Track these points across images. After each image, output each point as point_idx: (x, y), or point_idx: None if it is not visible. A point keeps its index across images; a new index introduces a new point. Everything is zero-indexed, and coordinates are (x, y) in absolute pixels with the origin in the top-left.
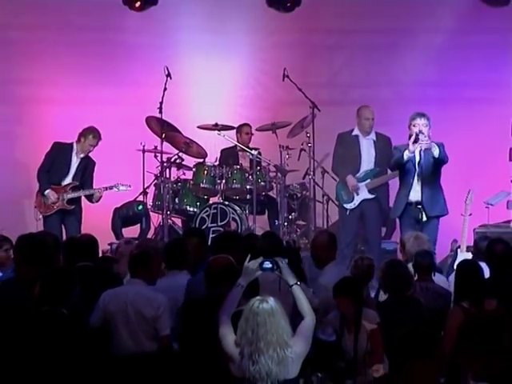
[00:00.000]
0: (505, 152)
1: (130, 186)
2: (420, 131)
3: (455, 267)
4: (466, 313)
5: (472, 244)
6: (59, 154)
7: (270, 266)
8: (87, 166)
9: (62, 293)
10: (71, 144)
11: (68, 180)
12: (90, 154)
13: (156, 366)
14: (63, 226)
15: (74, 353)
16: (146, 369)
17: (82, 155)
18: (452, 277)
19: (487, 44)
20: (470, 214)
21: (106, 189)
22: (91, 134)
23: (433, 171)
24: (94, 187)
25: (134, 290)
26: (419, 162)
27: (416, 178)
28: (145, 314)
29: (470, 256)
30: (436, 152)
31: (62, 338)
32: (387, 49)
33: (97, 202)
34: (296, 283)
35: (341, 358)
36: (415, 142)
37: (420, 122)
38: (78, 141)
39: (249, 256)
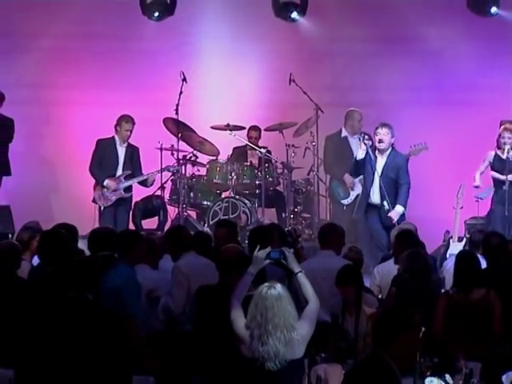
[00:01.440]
0: (493, 150)
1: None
2: (380, 140)
3: (448, 256)
4: (450, 299)
5: (463, 235)
6: (105, 148)
7: (278, 255)
8: (133, 153)
9: (87, 280)
10: (112, 137)
11: (119, 171)
12: (132, 142)
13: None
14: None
15: (97, 336)
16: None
17: (125, 144)
18: (445, 264)
19: (476, 50)
20: (462, 207)
21: (158, 172)
22: (123, 120)
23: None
24: None
25: None
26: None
27: (375, 182)
28: None
29: (461, 246)
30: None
31: (86, 322)
32: (384, 55)
33: (151, 185)
34: (300, 271)
35: (343, 338)
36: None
37: (381, 132)
38: (116, 131)
39: (258, 247)
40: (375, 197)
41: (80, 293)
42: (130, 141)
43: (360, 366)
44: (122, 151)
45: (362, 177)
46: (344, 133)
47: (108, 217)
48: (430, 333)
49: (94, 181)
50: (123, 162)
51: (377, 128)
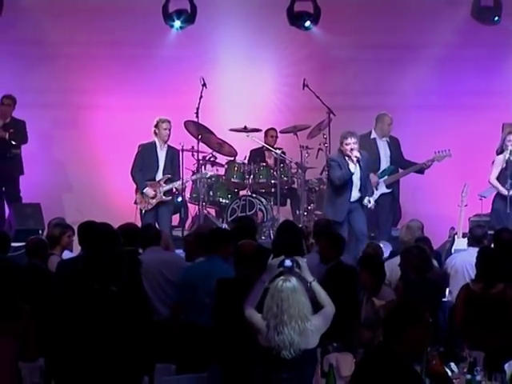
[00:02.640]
0: (497, 153)
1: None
2: (352, 149)
3: (453, 251)
4: (470, 291)
5: (467, 231)
6: (146, 152)
7: (290, 264)
8: (173, 156)
9: (111, 272)
10: (153, 141)
11: (160, 174)
12: (172, 144)
13: None
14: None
15: (121, 325)
16: None
17: (165, 148)
18: (450, 259)
19: (480, 56)
20: (466, 205)
21: (192, 176)
22: (160, 121)
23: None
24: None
25: None
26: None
27: (354, 185)
28: None
29: (465, 241)
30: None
31: (111, 313)
32: (393, 61)
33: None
34: (314, 280)
35: (359, 322)
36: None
37: (351, 141)
38: (155, 134)
39: (271, 255)
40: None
41: (105, 285)
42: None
43: (370, 358)
44: (162, 155)
45: (386, 177)
46: (373, 135)
47: (149, 219)
48: (436, 324)
49: (120, 180)
50: (163, 166)
51: (345, 137)
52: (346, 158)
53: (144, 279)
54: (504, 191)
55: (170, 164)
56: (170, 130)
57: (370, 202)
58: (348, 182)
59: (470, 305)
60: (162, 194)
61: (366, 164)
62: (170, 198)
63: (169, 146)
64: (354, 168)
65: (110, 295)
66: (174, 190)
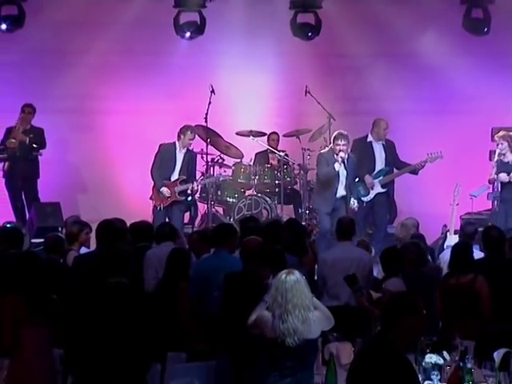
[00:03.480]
0: (485, 153)
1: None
2: (340, 150)
3: (445, 247)
4: (445, 283)
5: (459, 228)
6: (165, 152)
7: None
8: (190, 158)
9: (124, 267)
10: (174, 143)
11: (176, 174)
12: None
13: None
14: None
15: (135, 314)
16: None
17: (184, 150)
18: (442, 254)
19: (470, 65)
20: (457, 204)
21: (205, 179)
22: (188, 130)
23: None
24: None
25: None
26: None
27: (340, 182)
28: None
29: (456, 238)
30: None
31: (124, 304)
32: (389, 69)
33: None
34: (313, 296)
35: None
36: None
37: (341, 143)
38: (179, 138)
39: (271, 275)
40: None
41: (118, 278)
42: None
43: (367, 347)
44: (180, 157)
45: (381, 178)
46: (370, 138)
47: (161, 216)
48: (430, 314)
49: (133, 179)
50: (180, 167)
51: (337, 138)
52: (335, 157)
53: (157, 270)
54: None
55: (187, 166)
56: (192, 140)
57: (354, 203)
58: (334, 178)
59: (446, 296)
60: (176, 193)
61: (353, 167)
62: (184, 197)
63: (188, 148)
64: (338, 167)
65: (124, 287)
66: (189, 190)
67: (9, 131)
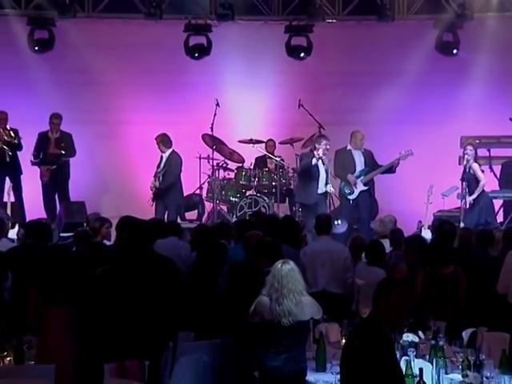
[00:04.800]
0: (455, 158)
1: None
2: (320, 148)
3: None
4: (427, 273)
5: (431, 223)
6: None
7: None
8: (171, 160)
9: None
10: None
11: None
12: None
13: None
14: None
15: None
16: None
17: (167, 153)
18: None
19: (442, 81)
20: (431, 203)
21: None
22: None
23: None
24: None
25: None
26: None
27: (321, 178)
28: None
29: (429, 232)
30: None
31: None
32: (372, 85)
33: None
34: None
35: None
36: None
37: (322, 143)
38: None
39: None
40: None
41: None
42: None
43: (357, 328)
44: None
45: (363, 177)
46: (349, 147)
47: (159, 211)
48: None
49: (148, 182)
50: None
51: (319, 138)
52: (314, 153)
53: None
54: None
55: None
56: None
57: (330, 189)
58: (315, 174)
59: (429, 284)
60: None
61: (370, 160)
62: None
63: (173, 150)
64: (315, 162)
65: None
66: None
67: (41, 137)
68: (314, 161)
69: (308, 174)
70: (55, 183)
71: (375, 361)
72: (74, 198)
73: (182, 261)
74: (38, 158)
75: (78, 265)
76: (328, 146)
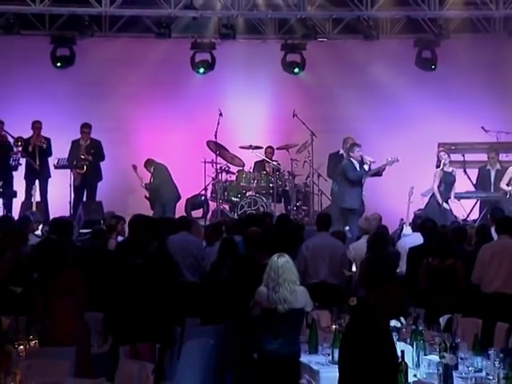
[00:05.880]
0: (433, 163)
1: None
2: (362, 155)
3: (402, 236)
4: (429, 265)
5: (412, 221)
6: None
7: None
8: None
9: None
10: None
11: None
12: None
13: None
14: None
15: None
16: None
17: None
18: (400, 241)
19: (422, 94)
20: (412, 202)
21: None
22: None
23: None
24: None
25: None
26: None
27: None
28: None
29: (410, 229)
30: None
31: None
32: (358, 97)
33: None
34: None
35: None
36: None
37: (357, 149)
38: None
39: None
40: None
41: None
42: None
43: (355, 315)
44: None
45: None
46: (341, 151)
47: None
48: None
49: None
50: None
51: (356, 146)
52: (364, 160)
53: (175, 253)
54: (440, 200)
55: None
56: None
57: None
58: (360, 180)
59: (431, 275)
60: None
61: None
62: None
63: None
64: (367, 168)
65: (145, 267)
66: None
67: (74, 144)
68: (366, 168)
69: (356, 180)
70: (85, 185)
71: (371, 347)
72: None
73: (194, 255)
74: (59, 163)
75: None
76: (361, 152)
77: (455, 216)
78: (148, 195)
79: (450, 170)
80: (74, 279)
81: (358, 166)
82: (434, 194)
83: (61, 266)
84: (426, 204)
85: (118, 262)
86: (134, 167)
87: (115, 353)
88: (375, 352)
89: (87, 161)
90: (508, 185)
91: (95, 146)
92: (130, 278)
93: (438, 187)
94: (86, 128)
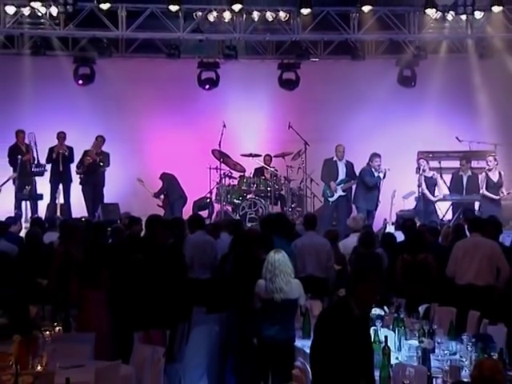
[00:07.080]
0: (413, 169)
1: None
2: (379, 165)
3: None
4: (404, 260)
5: (395, 221)
6: None
7: None
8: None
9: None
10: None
11: None
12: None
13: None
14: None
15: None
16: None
17: None
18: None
19: (402, 108)
20: (394, 204)
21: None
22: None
23: None
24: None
25: None
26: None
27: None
28: None
29: (393, 227)
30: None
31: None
32: (347, 110)
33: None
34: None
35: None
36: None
37: (376, 160)
38: None
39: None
40: None
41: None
42: None
43: (329, 307)
44: None
45: (343, 185)
46: (335, 158)
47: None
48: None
49: None
50: None
51: (378, 156)
52: (379, 169)
53: (191, 250)
54: (432, 198)
55: None
56: None
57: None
58: (377, 185)
59: (405, 269)
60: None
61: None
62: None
63: None
64: (382, 176)
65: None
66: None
67: (85, 153)
68: (381, 175)
69: (372, 185)
70: (93, 188)
71: (338, 335)
72: (110, 201)
73: (208, 254)
74: (80, 169)
75: (111, 255)
76: (380, 163)
77: (438, 215)
78: (161, 203)
79: (431, 174)
80: (107, 277)
81: (375, 173)
82: (419, 196)
83: (102, 264)
84: (415, 206)
85: (120, 257)
86: (140, 181)
87: (130, 338)
88: (344, 342)
89: (93, 162)
90: (487, 189)
91: (104, 155)
92: (132, 271)
93: (423, 189)
94: (100, 138)
